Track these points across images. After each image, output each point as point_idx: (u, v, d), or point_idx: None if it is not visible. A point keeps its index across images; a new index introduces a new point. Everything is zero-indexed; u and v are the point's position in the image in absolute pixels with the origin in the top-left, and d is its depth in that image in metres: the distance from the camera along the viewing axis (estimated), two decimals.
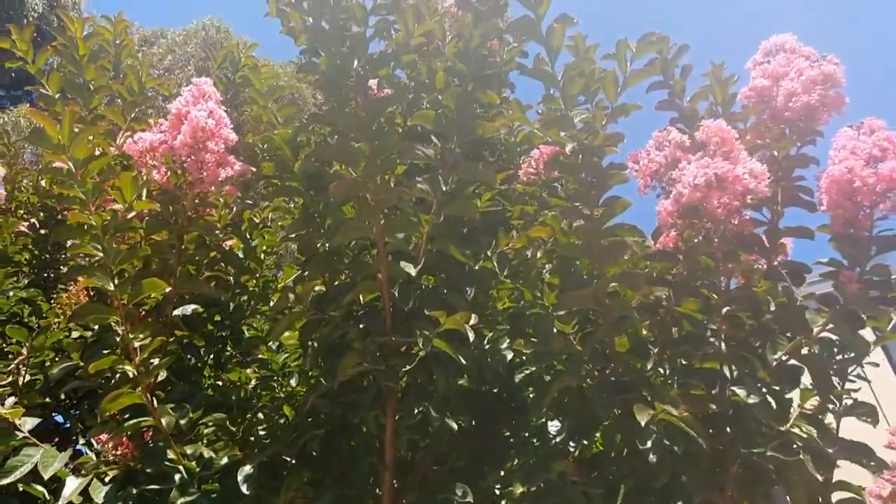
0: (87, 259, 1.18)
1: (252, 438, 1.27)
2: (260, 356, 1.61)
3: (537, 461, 1.06)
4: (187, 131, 1.34)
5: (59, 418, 1.61)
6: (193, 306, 1.43)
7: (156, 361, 1.19)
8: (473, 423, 1.26)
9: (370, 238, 1.21)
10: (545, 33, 1.13)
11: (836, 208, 1.12)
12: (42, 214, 2.10)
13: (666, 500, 1.04)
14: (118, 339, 1.13)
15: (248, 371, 1.58)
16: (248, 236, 1.71)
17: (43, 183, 2.06)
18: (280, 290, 1.47)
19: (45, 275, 2.06)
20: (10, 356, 1.62)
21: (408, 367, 1.10)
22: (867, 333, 1.29)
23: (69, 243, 1.14)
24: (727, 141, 1.08)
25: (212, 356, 1.59)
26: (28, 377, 1.59)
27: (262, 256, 1.75)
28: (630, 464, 1.05)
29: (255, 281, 1.73)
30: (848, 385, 1.34)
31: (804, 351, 1.16)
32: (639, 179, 1.24)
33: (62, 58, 1.49)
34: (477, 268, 1.23)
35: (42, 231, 2.07)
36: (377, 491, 1.17)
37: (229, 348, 1.62)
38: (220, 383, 1.64)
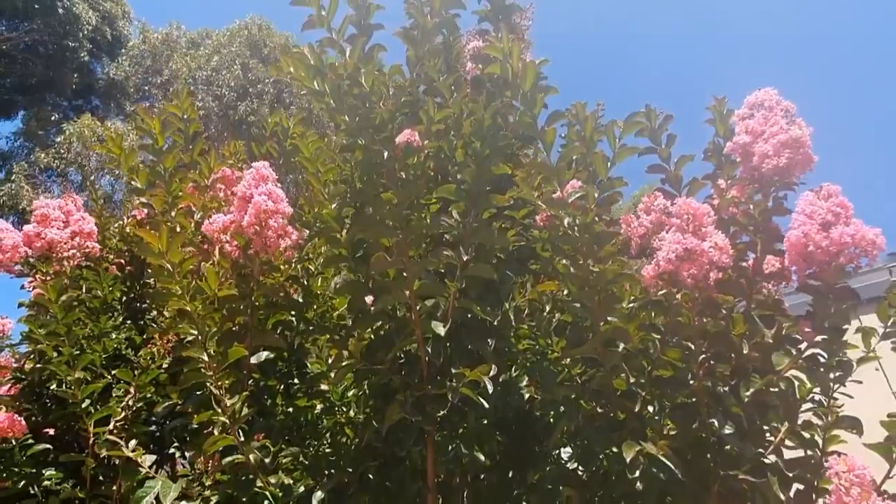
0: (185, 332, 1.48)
1: (321, 466, 1.55)
2: (322, 388, 1.90)
3: (550, 485, 1.31)
4: (252, 213, 1.62)
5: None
6: (266, 353, 1.73)
7: (241, 408, 1.49)
8: (502, 448, 1.52)
9: (406, 302, 1.47)
10: (540, 131, 1.36)
11: (796, 265, 1.31)
12: (128, 255, 2.44)
13: None
14: (212, 396, 1.43)
15: (315, 401, 1.87)
16: (306, 283, 1.99)
17: (127, 229, 2.39)
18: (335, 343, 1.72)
19: (136, 305, 2.39)
20: (120, 393, 1.97)
21: (442, 413, 1.36)
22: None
23: (168, 312, 1.44)
24: (697, 216, 1.28)
25: (282, 387, 1.89)
26: (132, 413, 1.93)
27: (319, 294, 2.03)
28: (625, 486, 1.28)
29: (314, 313, 2.01)
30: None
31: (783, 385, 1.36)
32: (631, 240, 1.46)
33: (146, 151, 1.79)
34: (496, 323, 1.48)
35: (129, 268, 2.40)
36: None
37: (296, 381, 1.92)
38: (290, 410, 1.95)
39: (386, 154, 1.48)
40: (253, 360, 1.71)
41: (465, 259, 1.47)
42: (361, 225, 1.52)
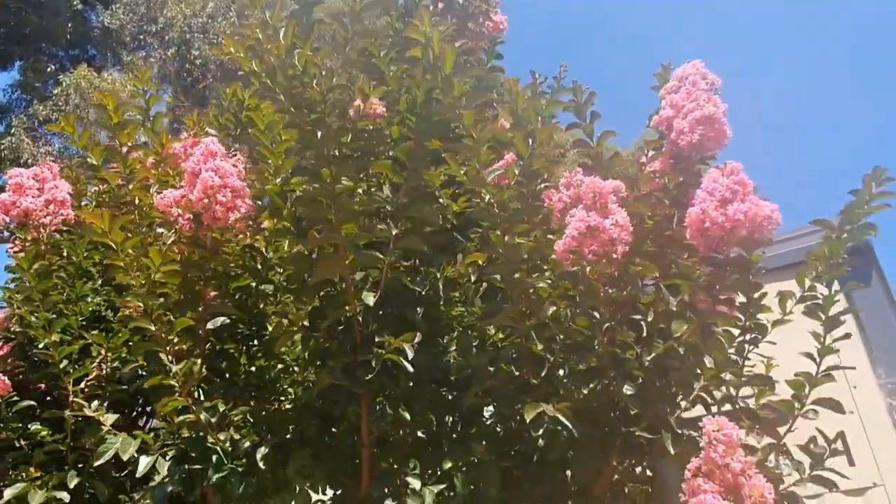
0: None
1: (266, 424, 1.68)
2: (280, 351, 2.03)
3: (471, 441, 1.44)
4: (199, 188, 1.71)
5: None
6: (223, 319, 1.84)
7: (192, 371, 1.61)
8: (434, 408, 1.64)
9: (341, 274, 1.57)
10: (458, 114, 1.42)
11: (696, 239, 1.40)
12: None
13: (563, 469, 1.40)
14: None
15: (273, 362, 2.00)
16: (264, 250, 2.09)
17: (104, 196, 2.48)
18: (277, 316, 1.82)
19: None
20: (93, 355, 2.10)
21: (370, 377, 1.48)
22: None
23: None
24: (602, 194, 1.36)
25: (244, 349, 2.01)
26: (108, 371, 2.07)
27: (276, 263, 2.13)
28: (532, 443, 1.41)
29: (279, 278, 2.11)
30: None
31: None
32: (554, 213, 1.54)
33: (102, 127, 1.87)
34: (424, 293, 1.58)
35: None
36: (357, 461, 1.58)
37: (256, 343, 2.04)
38: (253, 370, 2.08)
39: (319, 134, 1.55)
40: (209, 325, 1.83)
41: (395, 233, 1.56)
42: (300, 201, 1.61)
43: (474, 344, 1.47)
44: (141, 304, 1.49)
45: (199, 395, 1.80)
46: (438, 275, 1.63)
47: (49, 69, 17.98)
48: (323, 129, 1.54)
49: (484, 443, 1.45)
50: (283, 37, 1.54)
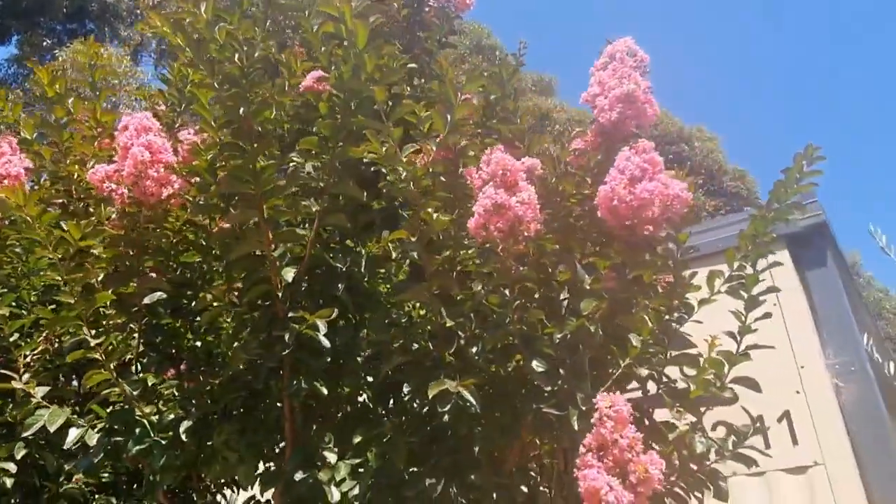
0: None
1: (191, 397, 1.70)
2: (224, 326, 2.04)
3: (377, 419, 1.46)
4: (130, 163, 1.71)
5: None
6: (160, 294, 1.85)
7: (117, 346, 1.63)
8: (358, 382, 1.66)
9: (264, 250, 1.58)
10: (369, 89, 1.42)
11: (606, 218, 1.39)
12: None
13: (470, 444, 1.42)
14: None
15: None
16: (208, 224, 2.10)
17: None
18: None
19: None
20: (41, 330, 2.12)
21: (286, 352, 1.49)
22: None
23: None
24: (512, 172, 1.36)
25: (189, 325, 2.03)
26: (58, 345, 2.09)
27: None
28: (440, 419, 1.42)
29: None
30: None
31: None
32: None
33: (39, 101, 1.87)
34: (345, 269, 1.58)
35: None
36: (279, 436, 1.61)
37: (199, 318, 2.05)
38: (199, 344, 2.10)
39: (242, 109, 1.55)
40: (146, 300, 1.84)
41: (317, 209, 1.57)
42: (226, 177, 1.61)
43: (386, 321, 1.47)
44: (59, 278, 1.50)
45: (136, 370, 1.83)
46: (363, 252, 1.63)
47: (45, 43, 17.88)
48: (244, 104, 1.54)
49: (394, 418, 1.47)
50: (205, 10, 1.53)
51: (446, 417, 1.35)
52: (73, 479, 2.26)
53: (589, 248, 1.57)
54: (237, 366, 1.53)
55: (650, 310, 1.68)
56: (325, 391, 1.50)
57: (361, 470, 1.42)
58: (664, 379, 1.71)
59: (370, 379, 1.58)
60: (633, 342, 1.59)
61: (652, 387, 1.71)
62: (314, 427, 1.62)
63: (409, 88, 2.09)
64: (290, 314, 1.47)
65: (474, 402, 1.31)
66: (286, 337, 1.44)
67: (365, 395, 1.60)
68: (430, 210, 1.41)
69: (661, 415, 1.71)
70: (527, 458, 1.55)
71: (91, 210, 1.91)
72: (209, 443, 1.63)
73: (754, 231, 1.71)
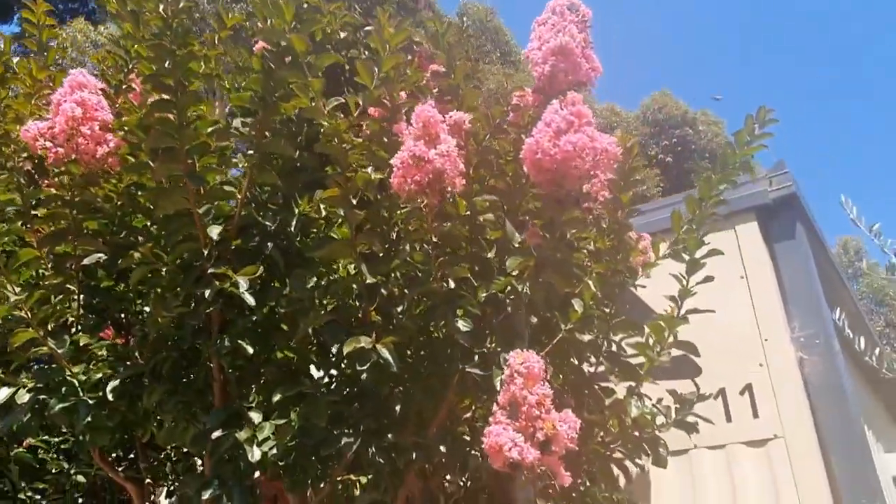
0: None
1: (120, 357, 1.67)
2: None
3: (292, 378, 1.43)
4: (61, 120, 1.67)
5: None
6: (99, 255, 1.82)
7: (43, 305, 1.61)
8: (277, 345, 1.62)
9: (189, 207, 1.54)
10: (288, 40, 1.37)
11: (531, 172, 1.35)
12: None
13: (393, 404, 1.39)
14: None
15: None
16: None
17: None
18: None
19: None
20: None
21: (209, 310, 1.46)
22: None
23: None
24: (431, 124, 1.31)
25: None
26: None
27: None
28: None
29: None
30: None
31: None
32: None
33: None
34: (274, 228, 1.55)
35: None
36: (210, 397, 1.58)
37: None
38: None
39: (167, 62, 1.50)
40: (86, 261, 1.81)
41: (245, 166, 1.53)
42: (152, 132, 1.57)
43: (311, 279, 1.44)
44: None
45: (75, 330, 1.80)
46: (297, 211, 1.59)
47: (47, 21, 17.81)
48: (168, 56, 1.49)
49: (321, 378, 1.44)
50: None
51: (364, 376, 1.32)
52: (24, 444, 2.26)
53: (524, 207, 1.52)
54: (156, 323, 1.50)
55: (594, 274, 1.64)
56: (250, 350, 1.47)
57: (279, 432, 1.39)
58: (606, 346, 1.68)
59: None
60: (576, 306, 1.56)
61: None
62: (243, 386, 1.59)
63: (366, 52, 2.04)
64: (212, 270, 1.43)
65: (391, 360, 1.28)
66: (206, 294, 1.41)
67: (295, 356, 1.57)
68: (351, 164, 1.37)
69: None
70: (457, 419, 1.51)
71: (31, 169, 1.88)
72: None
73: (701, 194, 1.66)
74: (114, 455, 2.01)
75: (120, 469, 2.01)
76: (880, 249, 2.09)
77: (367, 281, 1.36)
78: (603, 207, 1.66)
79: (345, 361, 1.49)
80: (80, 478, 2.21)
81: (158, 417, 1.70)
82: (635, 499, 2.05)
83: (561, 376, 1.68)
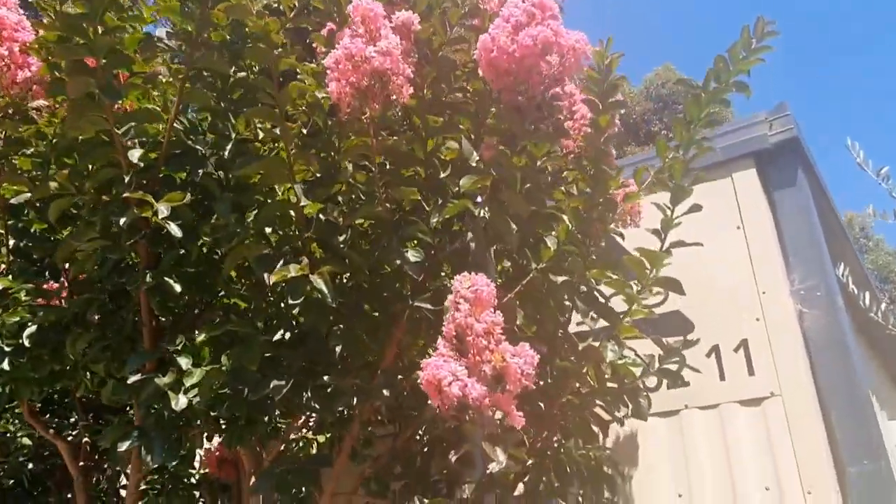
0: None
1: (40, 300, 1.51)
2: None
3: (224, 317, 1.27)
4: None
5: None
6: (27, 195, 1.66)
7: None
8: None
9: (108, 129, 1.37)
10: None
11: (487, 74, 1.17)
12: None
13: (334, 344, 1.23)
14: None
15: None
16: None
17: None
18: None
19: None
20: None
21: (132, 241, 1.30)
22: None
23: None
24: (371, 19, 1.13)
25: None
26: None
27: None
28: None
29: None
30: None
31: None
32: None
33: None
34: (205, 152, 1.38)
35: None
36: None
37: None
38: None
39: None
40: (12, 201, 1.65)
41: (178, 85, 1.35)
42: (65, 52, 1.39)
43: (251, 209, 1.27)
44: None
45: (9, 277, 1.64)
46: (232, 135, 1.42)
47: None
48: None
49: (256, 317, 1.28)
50: None
51: (298, 311, 1.15)
52: None
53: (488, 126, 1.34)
54: (76, 261, 1.34)
55: (569, 207, 1.48)
56: (178, 288, 1.30)
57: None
58: (583, 288, 1.51)
59: (234, 276, 1.38)
60: (548, 243, 1.39)
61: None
62: (173, 329, 1.43)
63: None
64: (127, 195, 1.26)
65: (327, 292, 1.12)
66: (122, 222, 1.24)
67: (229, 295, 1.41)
68: (281, 69, 1.20)
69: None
70: (412, 361, 1.35)
71: None
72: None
73: (689, 116, 1.48)
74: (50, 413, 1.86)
75: (52, 428, 1.86)
76: (888, 194, 1.92)
77: (302, 204, 1.18)
78: (580, 135, 1.49)
79: (282, 300, 1.33)
80: (26, 440, 2.06)
81: (89, 369, 1.54)
82: (617, 458, 1.89)
83: (535, 328, 1.51)
